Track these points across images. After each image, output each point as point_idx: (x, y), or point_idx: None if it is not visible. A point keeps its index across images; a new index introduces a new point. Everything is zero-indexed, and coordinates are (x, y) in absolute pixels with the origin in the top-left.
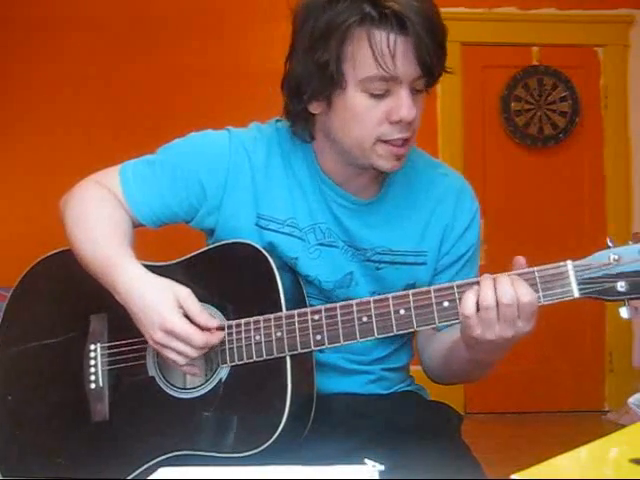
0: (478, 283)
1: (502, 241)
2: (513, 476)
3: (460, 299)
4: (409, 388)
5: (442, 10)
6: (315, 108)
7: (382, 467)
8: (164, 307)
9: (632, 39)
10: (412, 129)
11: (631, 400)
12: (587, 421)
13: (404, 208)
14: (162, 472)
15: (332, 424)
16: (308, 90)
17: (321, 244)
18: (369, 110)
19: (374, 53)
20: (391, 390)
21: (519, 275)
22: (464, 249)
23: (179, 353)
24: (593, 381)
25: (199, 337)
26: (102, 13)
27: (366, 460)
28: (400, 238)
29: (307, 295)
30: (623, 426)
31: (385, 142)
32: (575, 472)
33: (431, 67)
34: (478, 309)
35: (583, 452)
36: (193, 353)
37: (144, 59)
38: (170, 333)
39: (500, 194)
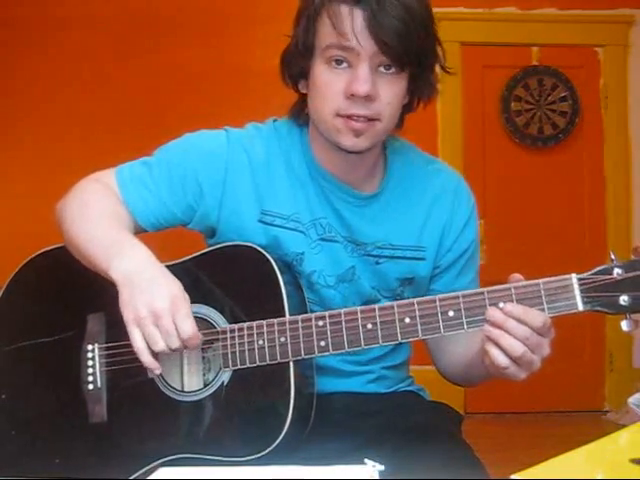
0: (483, 294)
1: (502, 241)
2: (513, 476)
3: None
4: (409, 388)
5: (442, 10)
6: (303, 87)
7: (382, 467)
8: (177, 286)
9: (632, 39)
10: (375, 109)
11: (631, 400)
12: (587, 421)
13: (403, 203)
14: (162, 472)
15: (332, 424)
16: (292, 67)
17: (322, 239)
18: (330, 83)
19: (332, 21)
20: (391, 389)
21: (525, 287)
22: (465, 245)
23: (168, 334)
24: (593, 381)
25: (196, 332)
26: (102, 12)
27: (366, 460)
28: (401, 233)
29: (308, 300)
30: (623, 426)
31: (343, 117)
32: (575, 472)
33: (389, 45)
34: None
35: (583, 452)
36: (175, 342)
37: (144, 59)
38: (177, 305)
39: (500, 194)
